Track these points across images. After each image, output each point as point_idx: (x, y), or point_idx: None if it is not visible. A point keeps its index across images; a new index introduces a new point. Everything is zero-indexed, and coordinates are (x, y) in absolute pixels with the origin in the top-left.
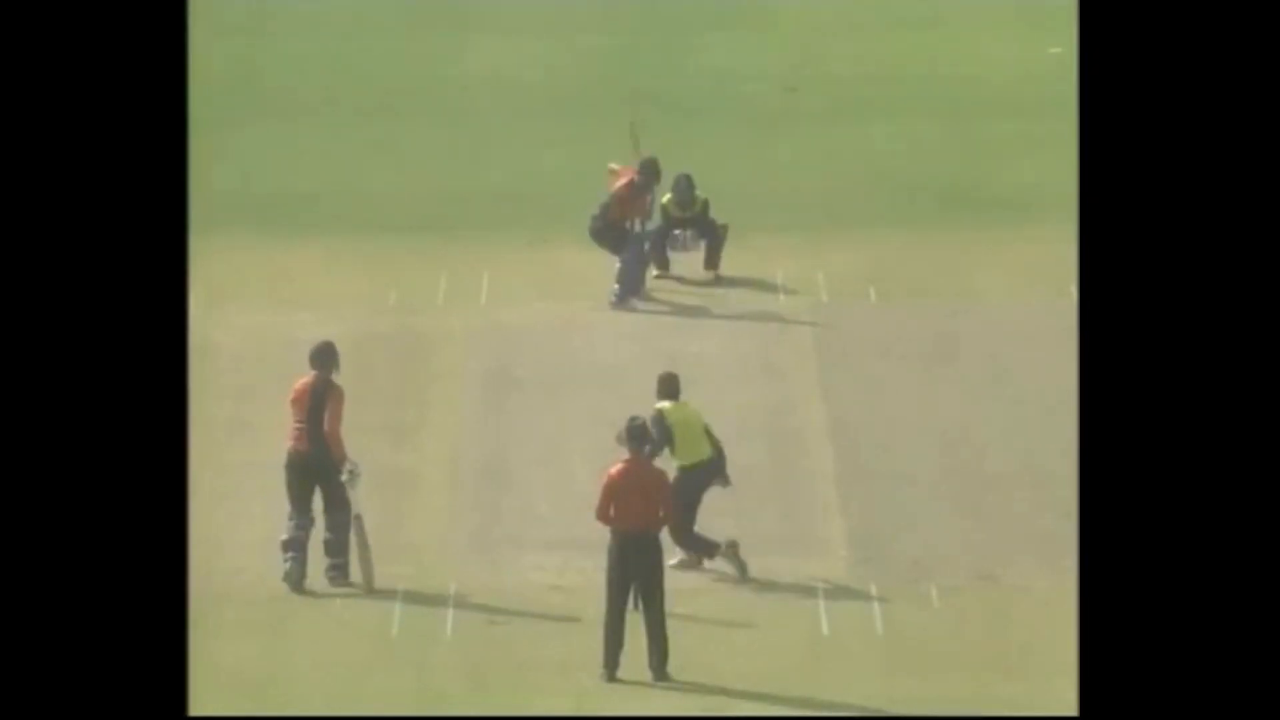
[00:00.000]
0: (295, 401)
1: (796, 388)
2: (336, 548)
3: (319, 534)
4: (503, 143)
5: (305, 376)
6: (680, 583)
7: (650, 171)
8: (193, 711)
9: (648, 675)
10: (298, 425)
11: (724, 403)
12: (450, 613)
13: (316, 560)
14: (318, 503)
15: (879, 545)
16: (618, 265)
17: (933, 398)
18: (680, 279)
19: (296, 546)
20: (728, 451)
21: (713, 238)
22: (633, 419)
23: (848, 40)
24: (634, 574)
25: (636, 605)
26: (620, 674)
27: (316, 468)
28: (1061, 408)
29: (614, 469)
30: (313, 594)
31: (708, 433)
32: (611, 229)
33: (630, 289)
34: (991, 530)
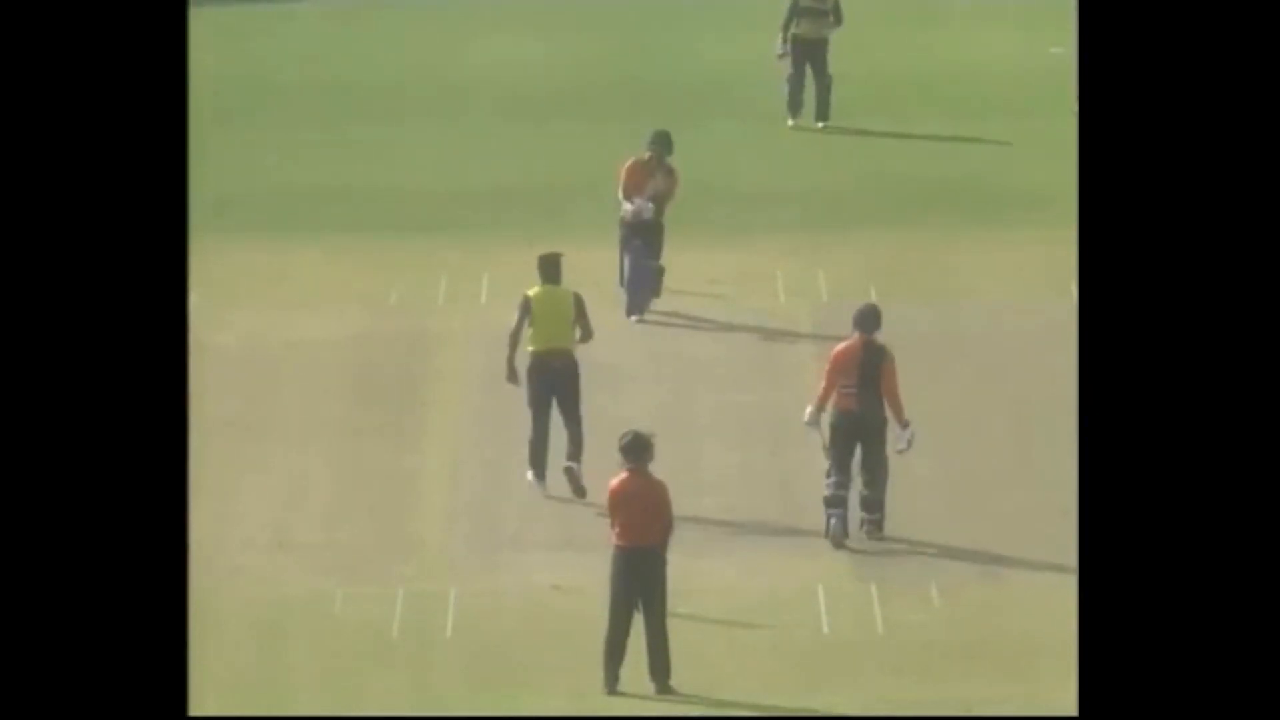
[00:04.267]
0: (842, 366)
1: (796, 388)
2: (873, 504)
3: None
4: (503, 143)
5: (849, 340)
6: (681, 583)
7: (661, 144)
8: (193, 711)
9: (648, 685)
10: (847, 388)
11: (724, 403)
12: (450, 613)
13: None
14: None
15: (879, 546)
16: (628, 273)
17: (933, 398)
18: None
19: (838, 503)
20: (728, 452)
21: (824, 85)
22: (632, 432)
23: (848, 40)
24: (636, 588)
25: (637, 607)
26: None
27: (864, 428)
28: (1061, 408)
29: (613, 482)
30: (313, 594)
31: (574, 326)
32: (633, 223)
33: (638, 297)
34: (991, 530)
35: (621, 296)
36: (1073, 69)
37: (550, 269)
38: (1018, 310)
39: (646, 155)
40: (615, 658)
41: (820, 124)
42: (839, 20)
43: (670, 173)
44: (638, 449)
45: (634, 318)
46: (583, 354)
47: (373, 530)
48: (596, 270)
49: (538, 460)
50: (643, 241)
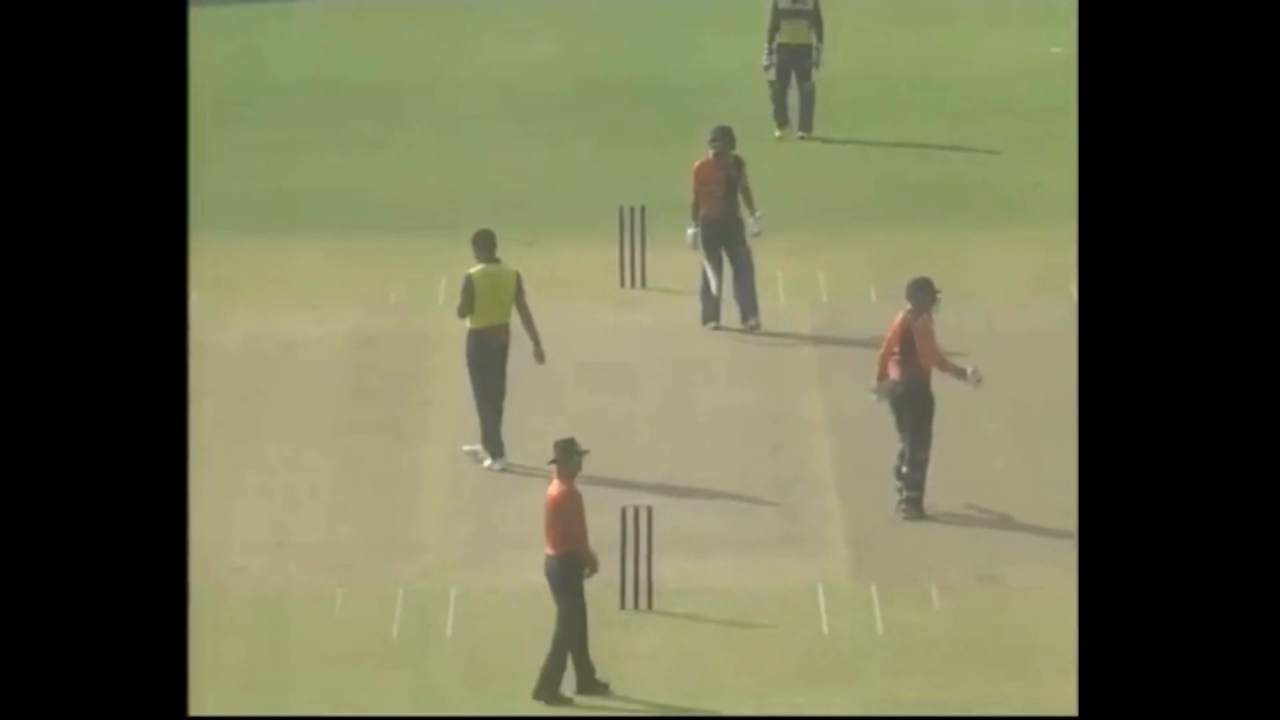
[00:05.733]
0: (891, 336)
1: (796, 388)
2: (910, 481)
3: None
4: (502, 143)
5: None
6: (681, 583)
7: (724, 138)
8: (193, 711)
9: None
10: (894, 356)
11: (724, 403)
12: (450, 613)
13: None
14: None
15: (879, 546)
16: (732, 287)
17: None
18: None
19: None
20: (728, 452)
21: (807, 93)
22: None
23: (847, 40)
24: (555, 596)
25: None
26: (617, 678)
27: (904, 397)
28: (1061, 408)
29: None
30: (313, 594)
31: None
32: (711, 227)
33: (748, 305)
34: (991, 530)
35: (627, 300)
36: (1073, 69)
37: (487, 246)
38: (1017, 310)
39: (711, 154)
40: (576, 661)
41: (800, 134)
42: (819, 26)
43: (740, 164)
44: (557, 451)
45: (751, 322)
46: (583, 354)
47: (373, 530)
48: (596, 271)
49: (495, 442)
50: (730, 252)
